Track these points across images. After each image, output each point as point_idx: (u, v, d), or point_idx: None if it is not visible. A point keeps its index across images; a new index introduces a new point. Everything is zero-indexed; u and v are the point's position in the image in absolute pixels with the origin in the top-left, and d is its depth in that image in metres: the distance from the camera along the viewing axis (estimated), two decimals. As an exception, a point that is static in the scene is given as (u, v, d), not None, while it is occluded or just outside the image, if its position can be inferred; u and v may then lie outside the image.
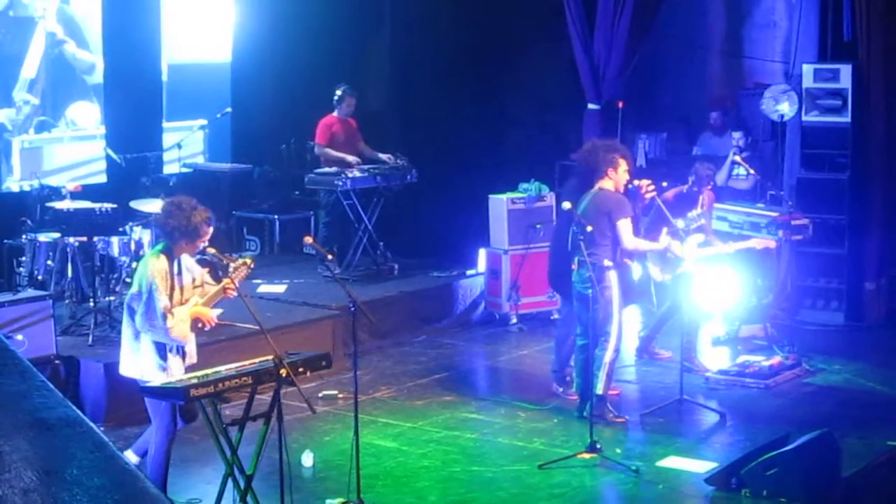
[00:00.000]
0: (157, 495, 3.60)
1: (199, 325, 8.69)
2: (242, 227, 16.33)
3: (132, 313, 8.56)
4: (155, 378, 8.48)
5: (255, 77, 16.73)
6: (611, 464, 9.83)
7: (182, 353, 8.67)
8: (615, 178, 11.00)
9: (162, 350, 8.55)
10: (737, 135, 15.16)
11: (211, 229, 8.72)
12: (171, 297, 8.51)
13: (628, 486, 9.57)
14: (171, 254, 8.61)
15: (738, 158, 14.58)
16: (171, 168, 15.31)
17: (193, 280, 8.81)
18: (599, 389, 10.81)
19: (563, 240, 10.94)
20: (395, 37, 17.40)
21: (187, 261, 8.78)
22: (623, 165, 11.01)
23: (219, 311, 8.97)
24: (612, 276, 10.80)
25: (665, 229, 11.30)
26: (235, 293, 8.69)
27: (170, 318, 8.43)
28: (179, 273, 8.65)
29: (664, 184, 12.68)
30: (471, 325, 14.42)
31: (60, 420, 3.47)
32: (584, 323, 10.85)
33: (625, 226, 10.82)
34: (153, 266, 8.51)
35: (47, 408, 3.53)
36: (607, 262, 10.72)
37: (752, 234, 13.45)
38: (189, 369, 8.66)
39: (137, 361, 8.62)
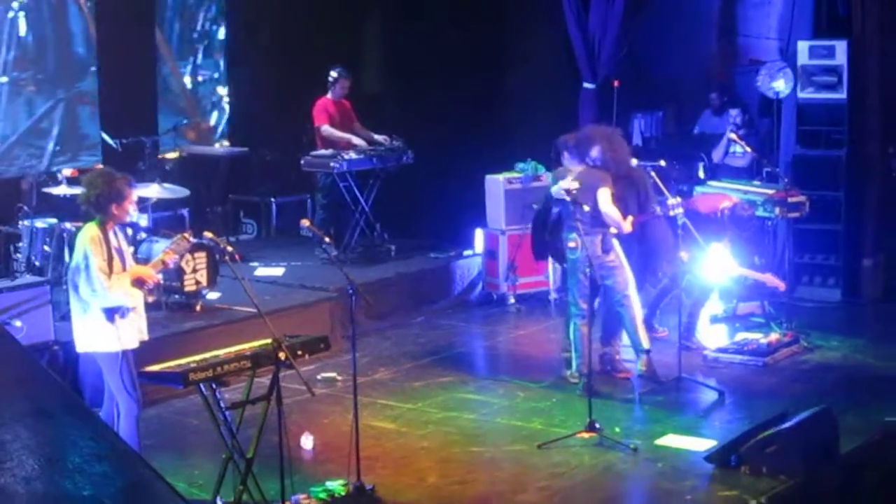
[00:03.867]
0: (157, 481, 3.60)
1: (143, 285, 8.83)
2: (239, 210, 16.33)
3: (76, 288, 8.68)
4: (109, 346, 8.63)
5: (250, 60, 16.72)
6: (610, 442, 9.84)
7: (130, 318, 8.73)
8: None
9: (111, 316, 8.64)
10: (734, 112, 15.14)
11: (133, 191, 8.91)
12: (110, 267, 8.62)
13: (627, 465, 9.57)
14: (103, 225, 8.73)
15: (734, 136, 14.57)
16: (167, 152, 15.30)
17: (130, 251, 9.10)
18: (645, 344, 11.38)
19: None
20: (388, 17, 17.36)
21: (120, 237, 8.92)
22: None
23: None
24: (618, 244, 11.17)
25: (630, 217, 11.38)
26: (172, 262, 9.06)
27: (106, 279, 8.53)
28: (115, 244, 8.78)
29: (661, 162, 12.70)
30: (468, 306, 14.43)
31: (61, 407, 3.47)
32: (579, 300, 11.03)
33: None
34: (85, 235, 8.69)
35: (48, 395, 3.52)
36: (612, 230, 11.07)
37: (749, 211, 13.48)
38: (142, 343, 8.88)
39: (89, 334, 8.70)
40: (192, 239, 9.20)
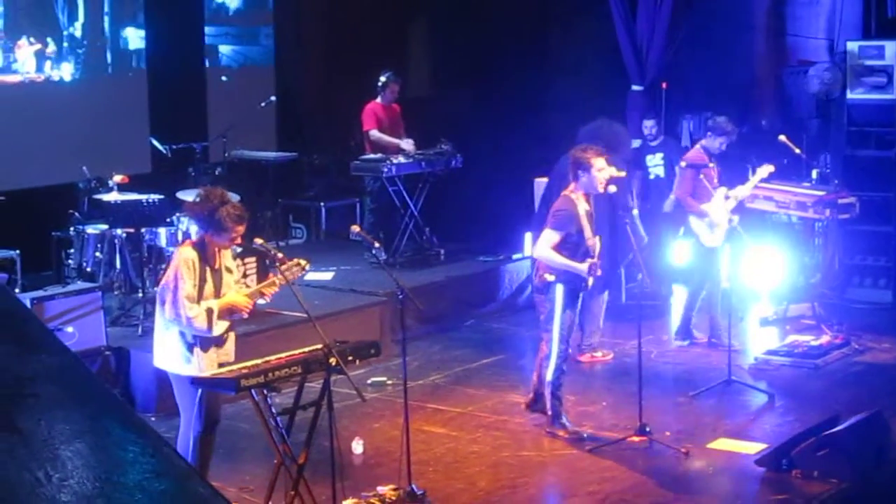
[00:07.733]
0: (216, 497, 3.60)
1: (236, 315, 8.48)
2: (288, 214, 16.39)
3: (163, 304, 8.31)
4: (181, 370, 8.34)
5: (299, 65, 16.79)
6: (660, 447, 9.83)
7: (212, 345, 8.39)
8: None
9: (191, 343, 8.34)
10: (648, 123, 14.63)
11: (240, 227, 8.37)
12: (201, 289, 8.29)
13: (678, 469, 9.55)
14: (202, 245, 8.39)
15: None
16: (216, 157, 15.37)
17: (233, 276, 8.65)
18: (549, 409, 10.44)
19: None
20: (436, 21, 17.40)
21: (227, 258, 8.61)
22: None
23: (263, 300, 8.88)
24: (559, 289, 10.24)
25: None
26: (269, 297, 8.66)
27: (191, 307, 8.19)
28: (213, 266, 8.41)
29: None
30: (518, 309, 14.39)
31: (119, 423, 3.48)
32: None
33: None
34: (180, 255, 8.34)
35: (105, 411, 3.54)
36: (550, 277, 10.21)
37: (798, 213, 13.43)
38: (223, 366, 8.41)
39: (167, 352, 8.42)
40: (307, 267, 8.67)
